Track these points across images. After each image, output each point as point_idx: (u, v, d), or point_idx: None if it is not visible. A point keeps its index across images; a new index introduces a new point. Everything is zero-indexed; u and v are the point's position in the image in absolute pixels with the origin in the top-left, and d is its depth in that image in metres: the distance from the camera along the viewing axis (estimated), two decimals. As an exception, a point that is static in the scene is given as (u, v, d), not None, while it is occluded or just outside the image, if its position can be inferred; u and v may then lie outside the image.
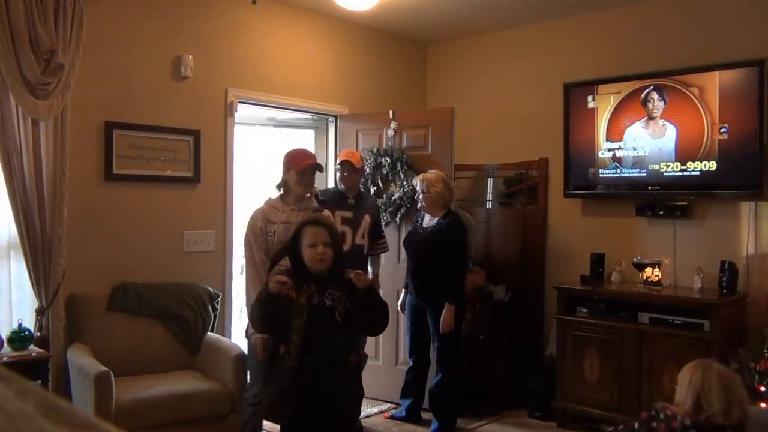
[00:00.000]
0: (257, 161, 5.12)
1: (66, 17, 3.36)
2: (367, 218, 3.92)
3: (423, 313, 4.01)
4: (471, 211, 5.23)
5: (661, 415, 2.20)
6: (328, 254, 2.60)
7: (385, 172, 4.49)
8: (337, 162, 4.04)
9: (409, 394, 4.22)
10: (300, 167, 3.19)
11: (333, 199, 3.91)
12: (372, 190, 4.56)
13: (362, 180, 4.44)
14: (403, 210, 4.45)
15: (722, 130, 3.93)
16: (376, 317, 2.69)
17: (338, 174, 3.99)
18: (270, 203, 3.24)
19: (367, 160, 4.55)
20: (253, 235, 3.13)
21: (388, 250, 4.12)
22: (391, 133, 4.57)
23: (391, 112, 4.61)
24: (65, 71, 3.36)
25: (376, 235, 3.97)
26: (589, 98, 4.50)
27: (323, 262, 2.59)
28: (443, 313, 3.82)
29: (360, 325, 2.67)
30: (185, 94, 4.07)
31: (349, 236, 3.82)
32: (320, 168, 3.31)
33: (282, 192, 3.26)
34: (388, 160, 4.47)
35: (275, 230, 3.12)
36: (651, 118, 4.22)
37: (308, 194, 3.30)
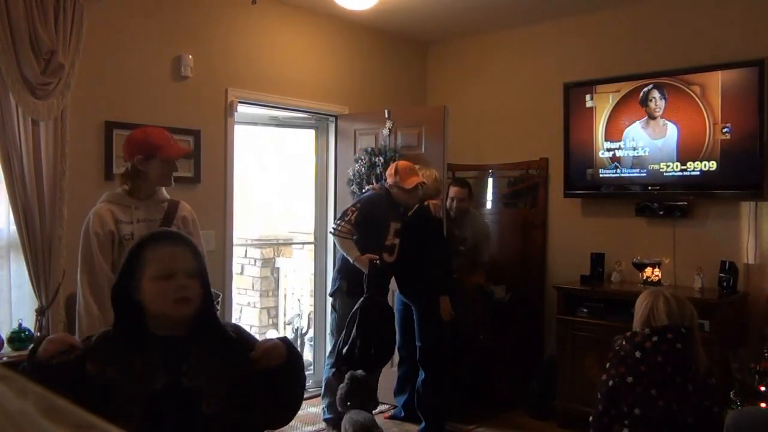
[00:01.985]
0: (263, 161, 5.12)
1: (66, 17, 3.36)
2: (401, 225, 3.94)
3: (410, 309, 4.01)
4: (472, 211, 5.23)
5: (623, 341, 2.38)
6: (195, 291, 1.54)
7: (378, 171, 4.47)
8: (407, 183, 3.82)
9: (403, 390, 4.22)
10: (172, 155, 2.57)
11: (388, 207, 3.85)
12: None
13: (356, 182, 4.51)
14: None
15: (725, 130, 3.93)
16: (284, 405, 1.65)
17: (405, 192, 3.83)
18: (113, 200, 2.53)
19: (362, 160, 4.55)
20: (99, 245, 2.41)
21: None
22: (386, 132, 4.56)
23: (386, 111, 4.61)
24: (65, 71, 3.35)
25: None
26: (588, 97, 4.50)
27: (187, 305, 1.52)
28: (440, 305, 3.84)
29: (255, 419, 1.58)
30: (185, 94, 4.07)
31: (397, 248, 3.84)
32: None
33: (128, 184, 2.54)
34: (382, 160, 4.46)
35: (132, 231, 2.47)
36: (652, 117, 4.22)
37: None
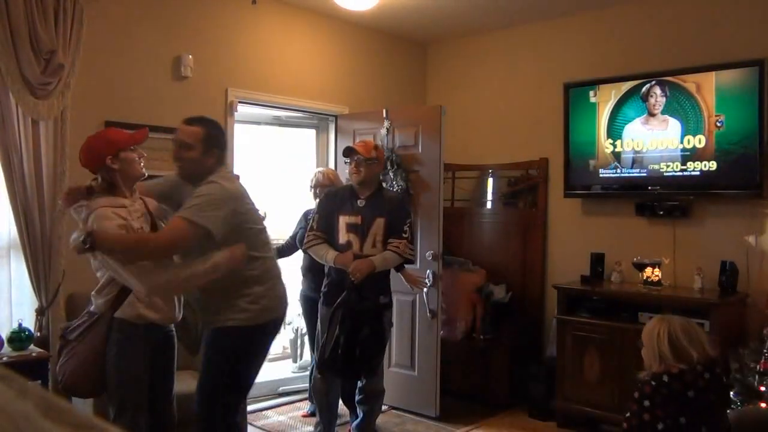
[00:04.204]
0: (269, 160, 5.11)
1: (66, 17, 3.36)
2: (380, 222, 3.41)
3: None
4: (472, 211, 5.24)
5: (666, 378, 2.27)
6: None
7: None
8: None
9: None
10: (134, 141, 2.58)
11: (340, 200, 3.48)
12: None
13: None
14: None
15: (721, 130, 3.93)
16: None
17: (347, 167, 3.54)
18: (106, 204, 2.47)
19: None
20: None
21: (402, 254, 3.41)
22: (384, 132, 4.55)
23: (384, 110, 4.59)
24: (65, 71, 3.36)
25: (390, 235, 3.42)
26: (590, 95, 4.49)
27: None
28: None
29: None
30: (185, 94, 4.07)
31: (355, 246, 3.38)
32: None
33: (108, 191, 2.51)
34: None
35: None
36: (651, 115, 4.22)
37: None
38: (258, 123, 4.99)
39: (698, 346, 2.30)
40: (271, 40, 4.55)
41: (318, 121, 5.08)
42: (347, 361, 3.26)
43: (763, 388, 3.17)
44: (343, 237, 3.43)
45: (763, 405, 3.05)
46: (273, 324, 2.73)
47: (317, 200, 3.79)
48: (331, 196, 3.58)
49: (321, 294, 3.56)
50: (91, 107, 3.65)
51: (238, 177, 2.83)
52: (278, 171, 5.19)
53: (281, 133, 5.18)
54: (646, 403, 2.26)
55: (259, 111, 4.72)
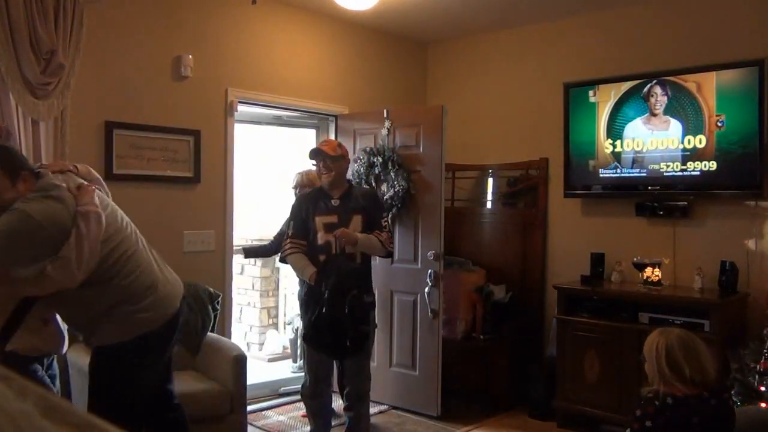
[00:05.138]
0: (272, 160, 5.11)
1: (66, 17, 3.36)
2: (357, 219, 3.41)
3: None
4: (472, 211, 5.24)
5: (669, 400, 2.23)
6: None
7: (377, 171, 4.47)
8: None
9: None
10: None
11: (313, 202, 3.47)
12: None
13: (354, 175, 4.36)
14: (394, 210, 4.39)
15: (722, 130, 3.93)
16: None
17: (315, 169, 3.56)
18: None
19: (360, 160, 4.52)
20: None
21: (385, 243, 3.45)
22: (384, 132, 4.55)
23: (385, 110, 4.59)
24: (65, 71, 3.36)
25: (370, 228, 3.42)
26: (590, 95, 4.49)
27: None
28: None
29: None
30: (185, 94, 4.07)
31: (335, 246, 3.34)
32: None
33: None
34: (380, 160, 4.44)
35: None
36: (653, 114, 4.22)
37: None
38: (258, 123, 4.99)
39: (695, 363, 2.23)
40: (271, 40, 4.55)
41: (318, 121, 5.07)
42: (334, 322, 3.15)
43: (763, 388, 3.17)
44: (321, 238, 3.40)
45: (763, 405, 3.05)
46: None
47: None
48: (304, 199, 3.58)
49: (302, 303, 3.55)
50: (91, 107, 3.65)
51: (48, 170, 2.36)
52: (278, 171, 5.19)
53: (281, 133, 5.18)
54: (648, 423, 2.22)
55: (259, 111, 4.72)
